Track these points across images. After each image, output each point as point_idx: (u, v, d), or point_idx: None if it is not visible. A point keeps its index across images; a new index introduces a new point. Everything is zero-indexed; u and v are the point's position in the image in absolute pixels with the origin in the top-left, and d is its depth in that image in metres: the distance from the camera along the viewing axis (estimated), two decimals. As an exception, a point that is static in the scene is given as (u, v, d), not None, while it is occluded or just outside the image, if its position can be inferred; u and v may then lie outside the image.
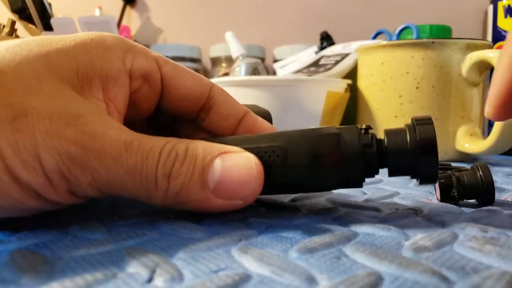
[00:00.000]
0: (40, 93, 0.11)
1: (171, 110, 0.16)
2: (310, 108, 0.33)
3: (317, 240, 0.11)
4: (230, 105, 0.16)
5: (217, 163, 0.12)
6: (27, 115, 0.11)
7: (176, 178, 0.12)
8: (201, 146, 0.12)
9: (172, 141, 0.12)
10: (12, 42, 0.12)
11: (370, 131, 0.13)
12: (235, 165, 0.12)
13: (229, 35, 0.43)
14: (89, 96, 0.13)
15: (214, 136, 0.16)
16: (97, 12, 0.63)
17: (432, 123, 0.13)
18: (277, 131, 0.14)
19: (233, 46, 0.43)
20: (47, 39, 0.13)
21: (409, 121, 0.14)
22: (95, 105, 0.12)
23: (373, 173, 0.13)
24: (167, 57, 0.16)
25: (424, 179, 0.13)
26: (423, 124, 0.13)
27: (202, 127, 0.17)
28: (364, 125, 0.13)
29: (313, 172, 0.13)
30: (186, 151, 0.12)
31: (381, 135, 0.14)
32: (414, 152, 0.13)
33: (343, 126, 0.13)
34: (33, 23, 0.44)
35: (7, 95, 0.11)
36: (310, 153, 0.13)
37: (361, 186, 0.13)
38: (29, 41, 0.12)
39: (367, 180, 0.14)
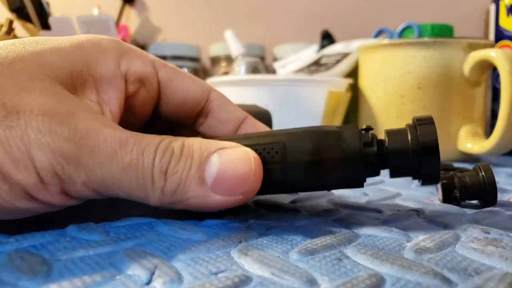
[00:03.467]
0: (33, 91, 0.11)
1: (169, 115, 0.16)
2: (311, 107, 0.33)
3: (318, 241, 0.11)
4: (229, 110, 0.16)
5: (214, 158, 0.12)
6: (19, 112, 0.10)
7: (173, 175, 0.11)
8: (197, 143, 0.12)
9: (167, 138, 0.12)
10: (6, 42, 0.12)
11: (370, 131, 0.13)
12: (233, 160, 0.12)
13: (228, 34, 0.43)
14: (82, 97, 0.12)
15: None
16: (95, 11, 0.63)
17: (433, 123, 0.13)
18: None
19: (232, 45, 0.43)
20: (42, 39, 0.12)
21: (410, 122, 0.13)
22: (88, 104, 0.12)
23: (373, 173, 0.13)
24: (166, 56, 0.16)
25: (426, 180, 0.13)
26: (424, 124, 0.13)
27: (200, 132, 0.17)
28: (365, 125, 0.13)
29: (313, 170, 0.13)
30: (182, 148, 0.12)
31: (382, 135, 0.13)
32: (416, 153, 0.12)
33: (344, 125, 0.13)
34: (31, 22, 0.44)
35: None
36: (309, 150, 0.12)
37: (362, 186, 0.13)
38: (24, 40, 0.12)
39: (368, 181, 0.14)
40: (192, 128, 0.17)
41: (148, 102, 0.15)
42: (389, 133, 0.13)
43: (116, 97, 0.13)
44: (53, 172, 0.11)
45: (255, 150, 0.12)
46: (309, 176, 0.13)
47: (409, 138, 0.13)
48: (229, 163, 0.12)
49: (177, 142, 0.12)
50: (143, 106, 0.15)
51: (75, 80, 0.12)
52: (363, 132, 0.13)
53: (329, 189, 0.14)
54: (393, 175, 0.13)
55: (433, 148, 0.12)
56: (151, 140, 0.12)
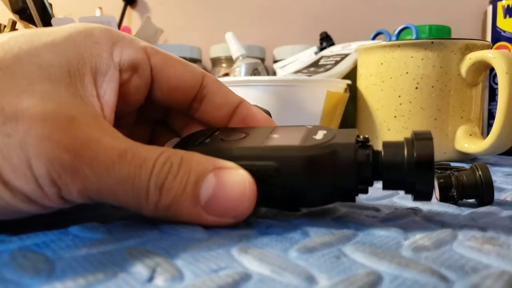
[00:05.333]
0: (33, 95, 0.11)
1: (163, 101, 0.16)
2: (309, 108, 0.33)
3: (316, 239, 0.11)
4: (224, 94, 0.16)
5: (211, 178, 0.12)
6: (18, 119, 0.10)
7: (168, 191, 0.11)
8: (196, 160, 0.12)
9: (166, 152, 0.12)
10: (0, 40, 0.12)
11: (367, 138, 0.13)
12: (229, 183, 0.12)
13: (229, 36, 0.43)
14: (83, 93, 0.12)
15: (207, 130, 0.16)
16: (97, 13, 0.63)
17: (431, 139, 0.12)
18: (272, 138, 0.14)
19: (233, 46, 0.43)
20: (35, 34, 0.12)
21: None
22: (88, 107, 0.12)
23: (366, 188, 0.13)
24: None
25: (419, 196, 0.13)
26: (422, 139, 0.12)
27: (195, 118, 0.16)
28: (362, 137, 0.13)
29: (306, 190, 0.13)
30: (180, 164, 0.12)
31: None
32: (410, 168, 0.12)
33: (339, 141, 0.13)
34: (33, 23, 0.44)
35: None
36: (302, 174, 0.12)
37: (354, 201, 0.13)
38: (18, 36, 0.12)
39: None
40: (187, 113, 0.16)
41: (141, 89, 0.15)
42: (385, 145, 0.13)
43: (111, 88, 0.13)
44: (51, 179, 0.11)
45: (250, 171, 0.12)
46: (302, 196, 0.13)
47: (405, 152, 0.12)
48: (224, 186, 0.12)
49: (176, 157, 0.12)
50: (136, 93, 0.15)
51: (73, 77, 0.12)
52: (359, 146, 0.13)
53: (320, 205, 0.14)
54: (386, 187, 0.13)
55: (428, 164, 0.12)
56: (150, 153, 0.12)
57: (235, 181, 0.12)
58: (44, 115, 0.11)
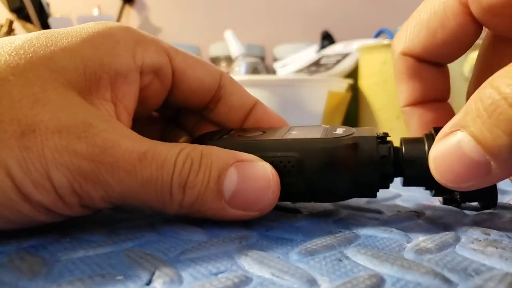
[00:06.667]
0: (46, 104, 0.11)
1: (180, 103, 0.15)
2: (311, 108, 0.33)
3: (318, 242, 0.11)
4: (240, 95, 0.16)
5: (233, 172, 0.12)
6: (35, 131, 0.10)
7: (191, 189, 0.11)
8: (216, 154, 0.12)
9: (185, 148, 0.12)
10: (14, 43, 0.11)
11: (386, 133, 0.13)
12: (252, 176, 0.12)
13: (228, 34, 0.43)
14: (96, 97, 0.12)
15: (222, 130, 0.15)
16: (95, 12, 0.63)
17: None
18: (291, 134, 0.14)
19: (232, 45, 0.43)
20: (51, 37, 0.12)
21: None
22: (103, 111, 0.12)
23: (388, 183, 0.13)
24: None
25: (439, 191, 0.13)
26: None
27: (209, 119, 0.16)
28: (381, 132, 0.13)
29: (328, 184, 0.12)
30: (201, 160, 0.11)
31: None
32: None
33: (361, 135, 0.13)
34: (31, 22, 0.44)
35: (13, 107, 0.10)
36: (325, 165, 0.12)
37: (375, 196, 0.13)
38: (33, 40, 0.12)
39: None
40: (201, 114, 0.16)
41: (160, 93, 0.15)
42: (405, 141, 0.13)
43: (130, 91, 0.13)
44: (72, 190, 0.11)
45: (272, 163, 0.12)
46: (324, 189, 0.13)
47: (426, 147, 0.12)
48: (248, 179, 0.12)
49: (196, 153, 0.12)
50: (155, 97, 0.14)
51: (88, 80, 0.12)
52: (380, 141, 0.13)
53: (342, 200, 0.14)
54: (406, 183, 0.13)
55: None
56: (170, 151, 0.11)
57: (258, 173, 0.12)
58: (60, 126, 0.10)
